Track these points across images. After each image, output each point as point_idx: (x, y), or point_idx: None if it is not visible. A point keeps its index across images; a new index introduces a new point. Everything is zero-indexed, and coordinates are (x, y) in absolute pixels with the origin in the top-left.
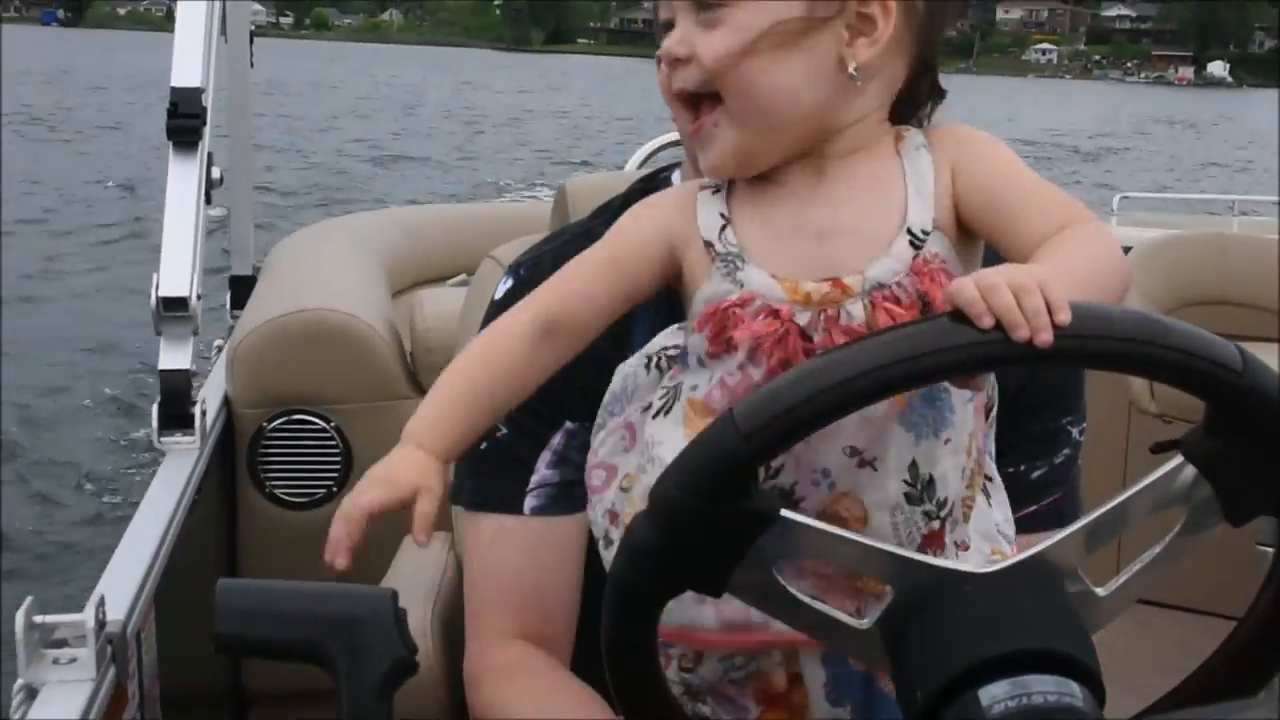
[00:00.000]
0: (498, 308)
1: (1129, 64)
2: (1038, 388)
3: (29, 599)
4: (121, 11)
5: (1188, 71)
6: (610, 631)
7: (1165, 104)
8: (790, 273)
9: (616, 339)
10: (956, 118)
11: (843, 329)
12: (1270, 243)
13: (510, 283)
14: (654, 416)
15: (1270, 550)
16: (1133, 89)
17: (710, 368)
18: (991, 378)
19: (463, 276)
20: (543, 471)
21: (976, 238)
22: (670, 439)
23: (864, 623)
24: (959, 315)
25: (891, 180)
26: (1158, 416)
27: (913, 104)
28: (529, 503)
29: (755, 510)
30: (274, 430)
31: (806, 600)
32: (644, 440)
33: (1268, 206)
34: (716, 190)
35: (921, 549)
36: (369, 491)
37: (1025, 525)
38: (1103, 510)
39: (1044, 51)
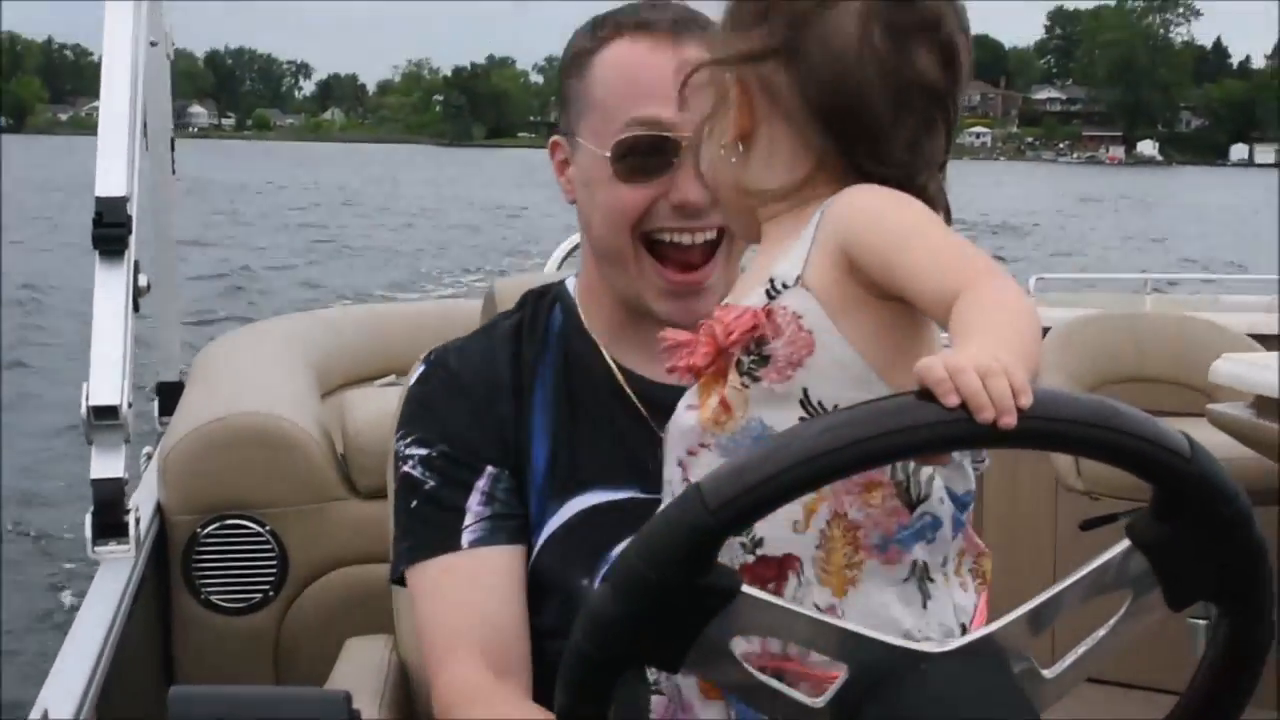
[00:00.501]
0: (414, 389)
1: (1061, 145)
2: None
3: None
4: (63, 117)
5: (1119, 151)
6: (563, 702)
7: (1094, 182)
8: None
9: (515, 403)
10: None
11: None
12: (1182, 319)
13: (422, 368)
14: None
15: (1202, 623)
16: (1066, 169)
17: None
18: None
19: (391, 377)
20: (475, 509)
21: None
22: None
23: (818, 702)
24: (926, 394)
25: (790, 241)
26: (1084, 494)
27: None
28: (467, 537)
29: (716, 586)
30: (208, 536)
31: (760, 678)
32: None
33: (1180, 284)
34: None
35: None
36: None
37: None
38: (1049, 593)
39: (978, 135)
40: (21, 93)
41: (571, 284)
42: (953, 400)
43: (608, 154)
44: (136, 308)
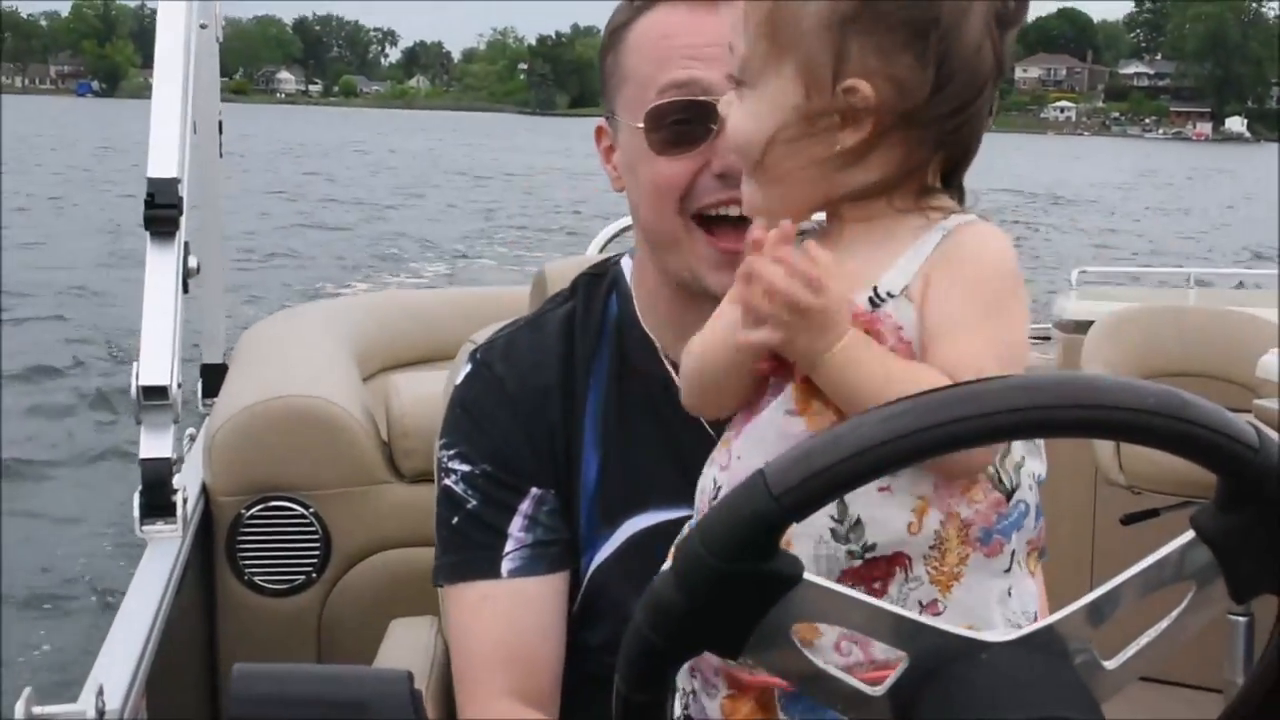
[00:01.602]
0: (459, 392)
1: (1147, 120)
2: None
3: (28, 690)
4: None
5: (1205, 127)
6: (623, 688)
7: (1182, 158)
8: None
9: (565, 408)
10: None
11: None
12: (1225, 314)
13: (469, 367)
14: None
15: (1242, 620)
16: (1152, 144)
17: None
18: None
19: (437, 364)
20: (516, 535)
21: None
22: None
23: (877, 690)
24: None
25: (893, 246)
26: (1126, 488)
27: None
28: (506, 565)
29: (778, 573)
30: (252, 517)
31: (820, 665)
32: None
33: (1222, 278)
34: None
35: (843, 581)
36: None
37: None
38: (1111, 585)
39: (1062, 109)
40: (116, 57)
41: (628, 266)
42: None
43: (641, 124)
44: (186, 289)
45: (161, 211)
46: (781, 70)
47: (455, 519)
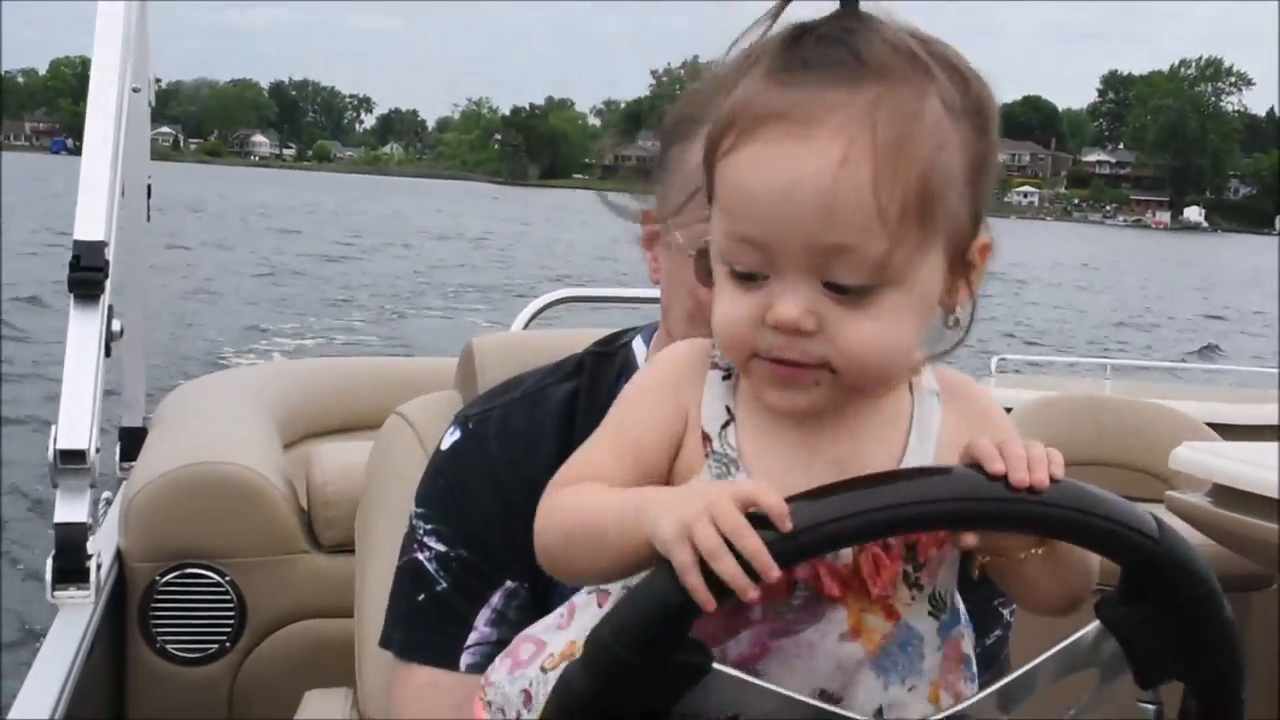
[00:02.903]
0: (445, 460)
1: (1108, 207)
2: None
3: None
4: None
5: (1164, 216)
6: None
7: (1140, 246)
8: (786, 482)
9: None
10: None
11: (828, 567)
12: (1140, 405)
13: (458, 434)
14: (599, 604)
15: (1151, 708)
16: (1111, 230)
17: None
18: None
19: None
20: (481, 629)
21: None
22: None
23: None
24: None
25: (900, 418)
26: None
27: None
28: (465, 659)
29: (687, 662)
30: (167, 584)
31: None
32: (579, 626)
33: (1136, 371)
34: (727, 375)
35: None
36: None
37: None
38: (1020, 671)
39: (1026, 194)
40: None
41: (640, 350)
42: (997, 468)
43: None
44: (109, 352)
45: (87, 274)
46: (930, 255)
47: (421, 596)
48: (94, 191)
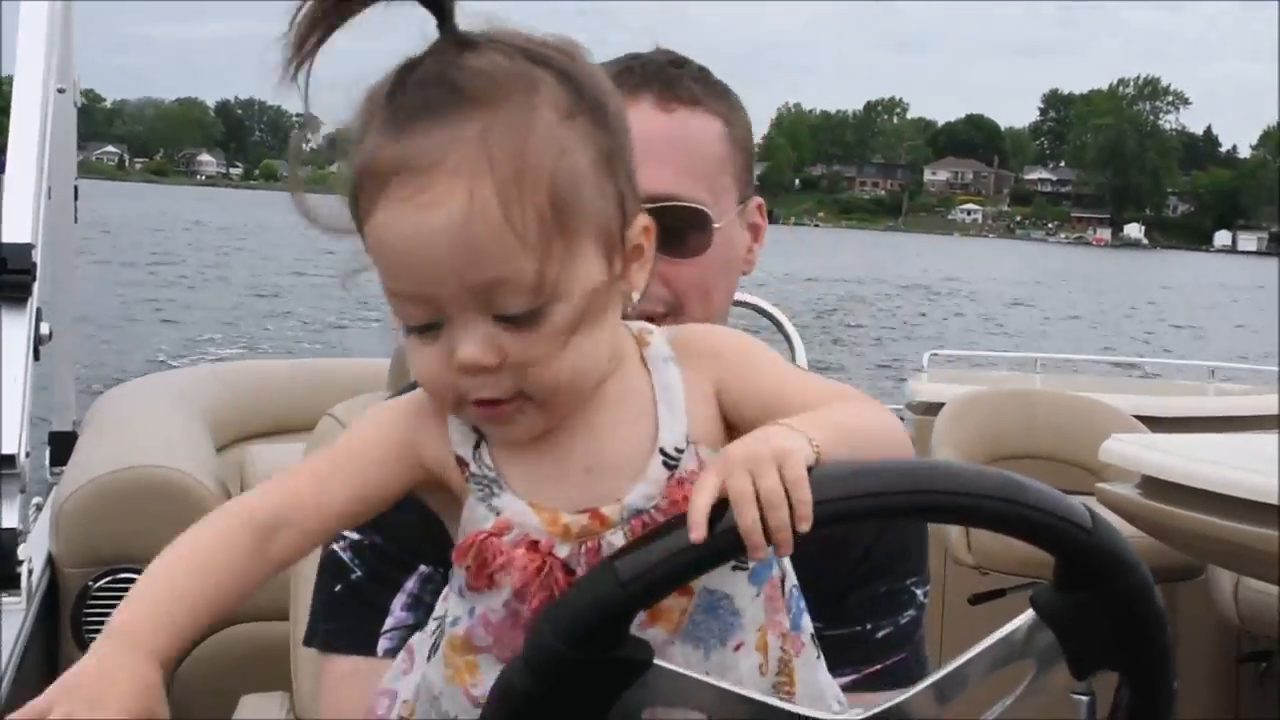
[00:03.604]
0: None
1: (1050, 225)
2: (882, 550)
3: None
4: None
5: (1105, 233)
6: None
7: (1080, 262)
8: (549, 501)
9: None
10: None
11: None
12: (1070, 398)
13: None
14: (428, 657)
15: (1085, 699)
16: (1053, 248)
17: (470, 600)
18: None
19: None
20: (397, 614)
21: None
22: (436, 679)
23: None
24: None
25: (642, 396)
26: (974, 568)
27: None
28: (383, 644)
29: (627, 659)
30: (100, 589)
31: None
32: (418, 670)
33: (1068, 363)
34: None
35: None
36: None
37: (870, 684)
38: (956, 663)
39: (969, 211)
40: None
41: None
42: (698, 537)
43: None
44: (38, 355)
45: (14, 277)
46: (583, 258)
47: (338, 586)
48: (20, 193)
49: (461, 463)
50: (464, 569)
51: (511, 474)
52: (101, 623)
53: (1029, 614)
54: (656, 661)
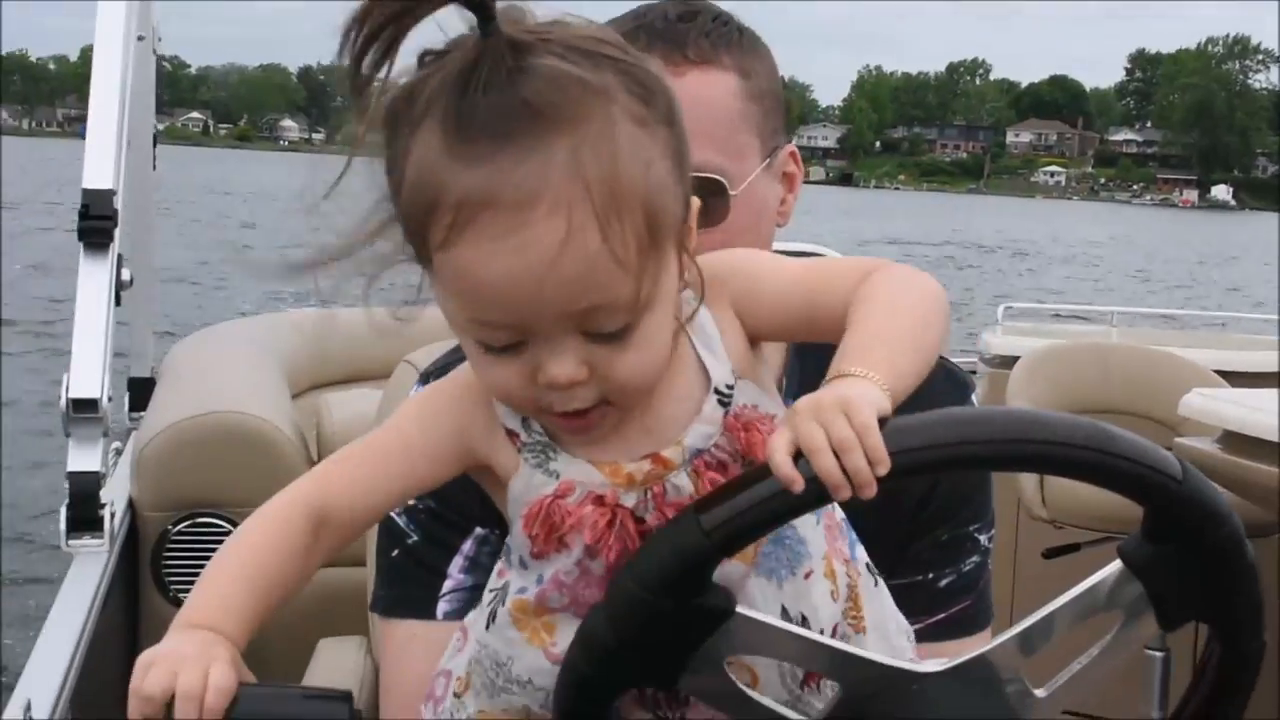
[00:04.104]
0: None
1: (1135, 187)
2: (943, 496)
3: None
4: (160, 127)
5: (1192, 195)
6: (559, 718)
7: (1165, 223)
8: (607, 454)
9: None
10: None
11: (672, 504)
12: (1146, 352)
13: (419, 390)
14: (486, 627)
15: (1159, 655)
16: (1138, 210)
17: (536, 568)
18: None
19: (369, 384)
20: (455, 576)
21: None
22: (500, 645)
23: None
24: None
25: (682, 348)
26: (1048, 521)
27: None
28: (442, 608)
29: (710, 607)
30: (179, 533)
31: (755, 697)
32: (474, 642)
33: (1141, 318)
34: None
35: (805, 683)
36: (161, 679)
37: (933, 633)
38: (1040, 614)
39: (1052, 174)
40: None
41: None
42: (798, 488)
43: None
44: (118, 301)
45: (96, 223)
46: (667, 264)
47: (395, 551)
48: (101, 140)
49: (512, 434)
50: (527, 538)
51: (567, 439)
52: (181, 567)
53: (1116, 564)
54: (739, 609)
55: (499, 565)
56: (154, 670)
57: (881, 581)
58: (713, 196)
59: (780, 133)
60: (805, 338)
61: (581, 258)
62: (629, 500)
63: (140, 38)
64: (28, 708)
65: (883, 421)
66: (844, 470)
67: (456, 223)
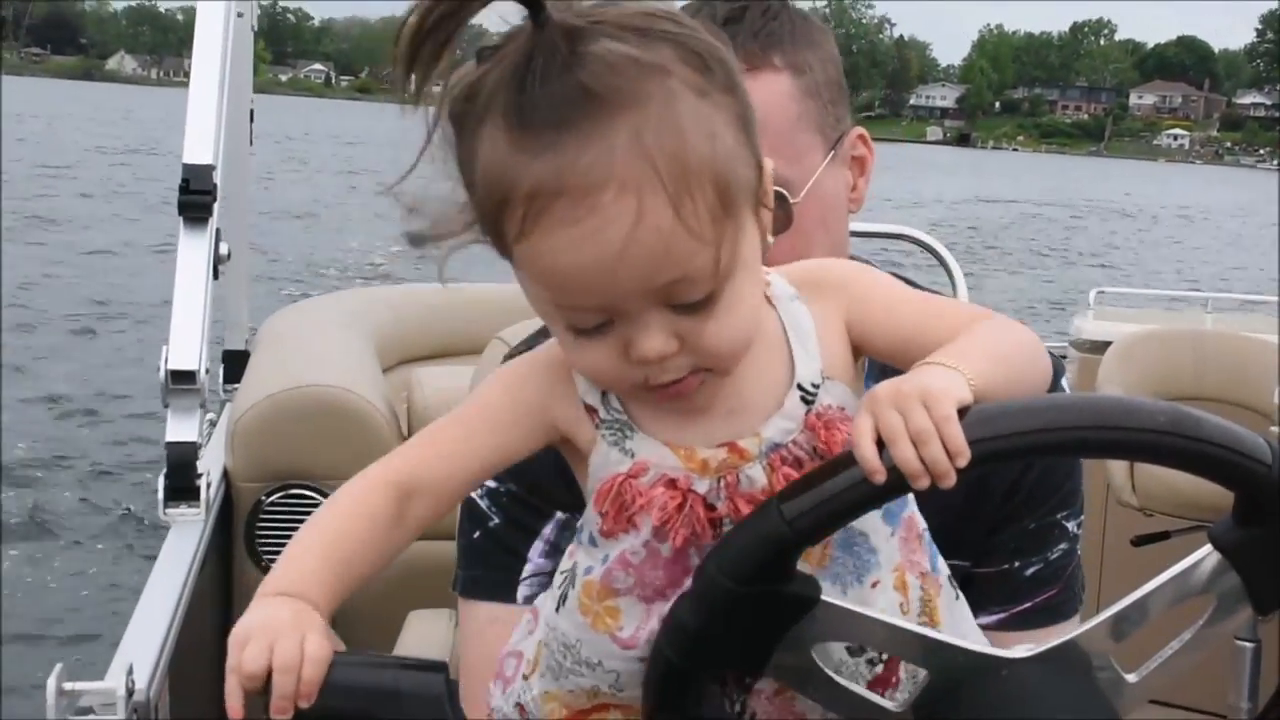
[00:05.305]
0: None
1: (1262, 151)
2: (1032, 483)
3: (59, 666)
4: (283, 78)
5: None
6: (650, 708)
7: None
8: (684, 439)
9: None
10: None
11: (744, 495)
12: (1242, 339)
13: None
14: (556, 609)
15: (1249, 645)
16: (1264, 174)
17: (605, 547)
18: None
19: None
20: (536, 561)
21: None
22: (569, 628)
23: (897, 705)
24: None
25: (774, 335)
26: (1138, 509)
27: None
28: (522, 591)
29: (795, 594)
30: (272, 504)
31: (842, 682)
32: (543, 625)
33: (1240, 304)
34: None
35: (873, 689)
36: (259, 655)
37: (1018, 622)
38: (1132, 599)
39: (1175, 136)
40: None
41: None
42: (879, 479)
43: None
44: (216, 274)
45: (196, 198)
46: (745, 229)
47: (476, 533)
48: (201, 116)
49: (591, 410)
50: (598, 515)
51: (643, 416)
52: (274, 536)
53: (1208, 549)
54: (824, 597)
55: (570, 546)
56: (251, 646)
57: (962, 596)
58: (775, 207)
59: (845, 119)
60: (907, 362)
61: (656, 235)
62: (701, 486)
63: (240, 15)
64: (130, 671)
65: (964, 411)
66: (921, 460)
67: (529, 214)
